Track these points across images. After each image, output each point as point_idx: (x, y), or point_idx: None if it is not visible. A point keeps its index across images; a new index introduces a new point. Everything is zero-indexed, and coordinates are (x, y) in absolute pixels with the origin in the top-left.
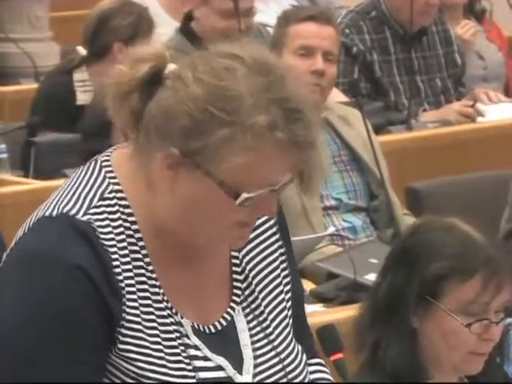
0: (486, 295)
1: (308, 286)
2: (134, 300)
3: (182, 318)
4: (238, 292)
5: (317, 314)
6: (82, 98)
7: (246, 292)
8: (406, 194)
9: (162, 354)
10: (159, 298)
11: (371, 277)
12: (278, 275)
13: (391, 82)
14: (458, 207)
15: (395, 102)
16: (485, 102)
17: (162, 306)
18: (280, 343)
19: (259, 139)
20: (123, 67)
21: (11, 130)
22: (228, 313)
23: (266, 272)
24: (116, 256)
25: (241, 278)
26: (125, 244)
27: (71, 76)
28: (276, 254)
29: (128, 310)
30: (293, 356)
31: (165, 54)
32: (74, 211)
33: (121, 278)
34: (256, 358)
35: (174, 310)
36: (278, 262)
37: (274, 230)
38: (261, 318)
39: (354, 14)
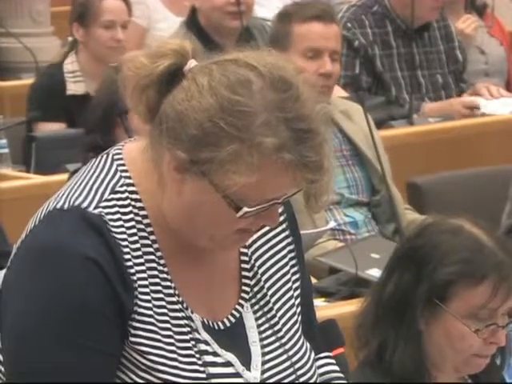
0: (496, 301)
1: None
2: (146, 293)
3: (192, 313)
4: (247, 289)
5: (318, 308)
6: (73, 88)
7: (255, 289)
8: (407, 188)
9: (173, 348)
10: (171, 291)
11: (373, 272)
12: (287, 272)
13: (392, 76)
14: (460, 202)
15: (396, 97)
16: (486, 96)
17: (173, 299)
18: (288, 340)
19: (265, 160)
20: (144, 59)
21: (12, 124)
22: (237, 310)
23: (275, 269)
24: (127, 250)
25: (250, 274)
26: (136, 238)
27: (62, 67)
28: (285, 251)
29: (140, 302)
30: (301, 353)
31: (187, 51)
32: (85, 204)
33: (132, 271)
34: (264, 354)
35: (184, 305)
36: (287, 259)
37: (284, 226)
38: (269, 315)
39: (355, 9)
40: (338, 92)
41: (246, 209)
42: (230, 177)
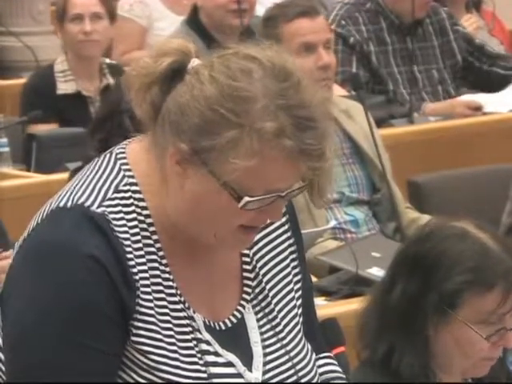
0: (505, 307)
1: None
2: (148, 293)
3: (194, 312)
4: (248, 290)
5: (319, 307)
6: (63, 87)
7: (257, 290)
8: (407, 187)
9: (175, 348)
10: (173, 291)
11: (373, 270)
12: (289, 273)
13: (389, 72)
14: (460, 201)
15: (394, 92)
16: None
17: (175, 299)
18: (290, 341)
19: (265, 144)
20: (147, 59)
21: (13, 123)
22: (238, 310)
23: (276, 270)
24: (130, 249)
25: (251, 275)
26: (139, 237)
27: (52, 68)
28: (287, 253)
29: (142, 302)
30: (302, 354)
31: (189, 50)
32: (88, 203)
33: (135, 270)
34: (266, 355)
35: (186, 305)
36: (288, 260)
37: (286, 227)
38: (271, 316)
39: (349, 6)
40: (338, 91)
41: (247, 198)
42: (229, 162)
